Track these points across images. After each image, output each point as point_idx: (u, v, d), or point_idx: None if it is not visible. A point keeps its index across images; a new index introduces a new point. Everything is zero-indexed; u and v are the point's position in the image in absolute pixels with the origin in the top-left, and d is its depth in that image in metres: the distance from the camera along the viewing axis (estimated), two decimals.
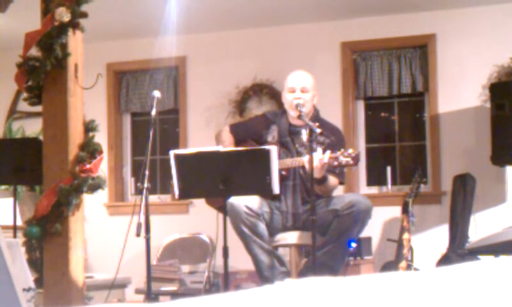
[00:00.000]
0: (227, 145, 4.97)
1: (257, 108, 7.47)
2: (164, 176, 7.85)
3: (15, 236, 5.08)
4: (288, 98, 4.88)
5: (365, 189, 7.32)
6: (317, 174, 4.46)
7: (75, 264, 4.60)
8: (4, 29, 7.11)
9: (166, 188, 7.86)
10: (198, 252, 6.67)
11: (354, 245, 5.95)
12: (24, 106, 7.22)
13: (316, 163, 4.42)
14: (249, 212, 4.64)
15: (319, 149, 4.49)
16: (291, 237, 4.88)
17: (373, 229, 6.72)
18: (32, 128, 7.65)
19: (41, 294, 4.49)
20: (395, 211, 6.73)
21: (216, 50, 7.70)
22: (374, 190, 7.36)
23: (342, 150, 4.52)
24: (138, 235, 4.30)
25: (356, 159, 4.49)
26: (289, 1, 6.87)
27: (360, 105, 7.47)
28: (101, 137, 5.63)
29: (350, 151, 4.51)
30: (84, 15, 4.66)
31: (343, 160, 4.48)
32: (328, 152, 4.49)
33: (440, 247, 6.67)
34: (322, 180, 4.59)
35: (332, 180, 4.72)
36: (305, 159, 4.56)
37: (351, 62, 7.37)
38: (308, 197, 4.64)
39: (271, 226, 4.80)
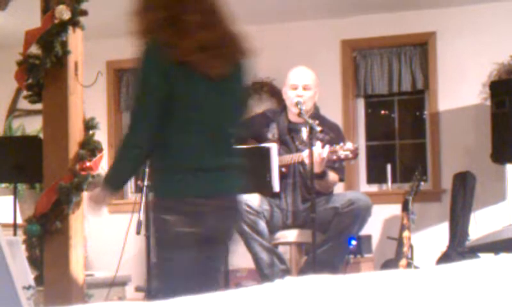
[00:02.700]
0: None
1: (257, 106, 7.46)
2: None
3: (15, 234, 5.08)
4: (290, 96, 4.87)
5: (365, 187, 7.32)
6: (316, 169, 4.46)
7: (75, 262, 4.60)
8: (4, 26, 7.10)
9: None
10: None
11: (354, 243, 5.93)
12: (24, 104, 7.21)
13: (315, 157, 4.42)
14: (249, 210, 4.64)
15: (318, 144, 4.49)
16: (291, 235, 4.88)
17: (373, 227, 6.71)
18: (33, 126, 7.63)
19: (41, 292, 4.48)
20: (395, 209, 6.72)
21: None
22: (374, 188, 7.35)
23: (341, 144, 4.53)
24: (138, 232, 4.30)
25: (355, 153, 4.49)
26: None
27: (360, 103, 7.46)
28: (101, 135, 5.62)
29: (349, 145, 4.52)
30: (84, 12, 4.66)
31: (342, 153, 4.49)
32: (327, 146, 4.49)
33: (440, 245, 6.66)
34: (322, 175, 4.59)
35: (332, 175, 4.72)
36: (304, 154, 4.56)
37: (351, 60, 7.37)
38: (308, 195, 4.64)
39: (271, 224, 4.79)
